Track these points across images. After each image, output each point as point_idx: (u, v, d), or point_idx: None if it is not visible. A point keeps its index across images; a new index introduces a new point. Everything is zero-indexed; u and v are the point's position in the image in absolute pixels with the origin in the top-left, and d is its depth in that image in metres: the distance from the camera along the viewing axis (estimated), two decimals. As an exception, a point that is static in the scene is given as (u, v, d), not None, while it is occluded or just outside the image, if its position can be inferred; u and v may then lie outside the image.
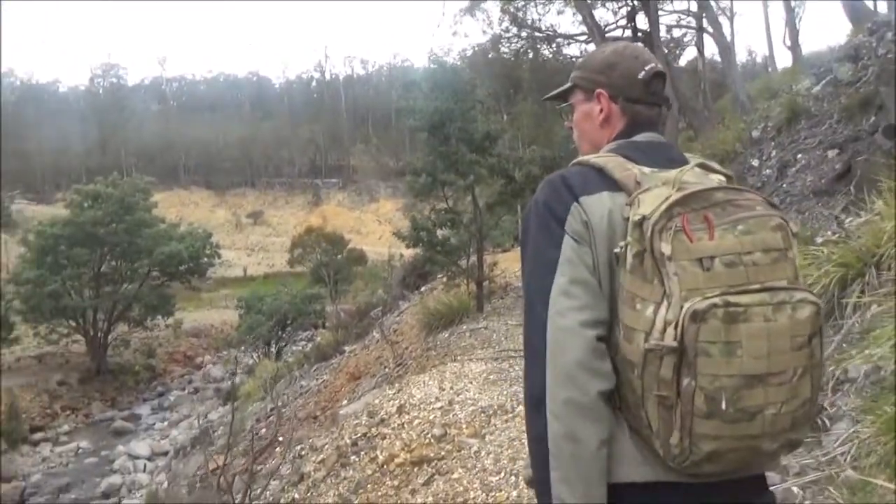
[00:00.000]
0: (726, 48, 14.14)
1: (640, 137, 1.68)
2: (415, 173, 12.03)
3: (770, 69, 28.40)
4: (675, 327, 1.37)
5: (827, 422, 4.34)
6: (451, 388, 6.60)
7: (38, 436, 24.61)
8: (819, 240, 6.85)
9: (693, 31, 18.87)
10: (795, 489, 3.89)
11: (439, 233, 12.19)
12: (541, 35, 16.28)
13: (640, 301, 1.43)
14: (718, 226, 1.41)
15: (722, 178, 1.60)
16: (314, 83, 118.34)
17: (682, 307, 1.37)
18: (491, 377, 6.86)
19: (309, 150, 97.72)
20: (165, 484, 17.68)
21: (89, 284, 29.80)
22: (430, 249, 12.27)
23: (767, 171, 10.31)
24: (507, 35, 17.89)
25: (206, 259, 32.21)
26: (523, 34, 17.13)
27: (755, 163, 10.70)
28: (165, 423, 26.05)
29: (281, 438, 9.10)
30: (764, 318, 1.37)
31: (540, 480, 1.50)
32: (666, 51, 12.22)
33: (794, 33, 24.85)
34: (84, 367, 29.85)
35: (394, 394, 6.96)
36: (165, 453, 21.57)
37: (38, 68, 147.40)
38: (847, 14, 13.42)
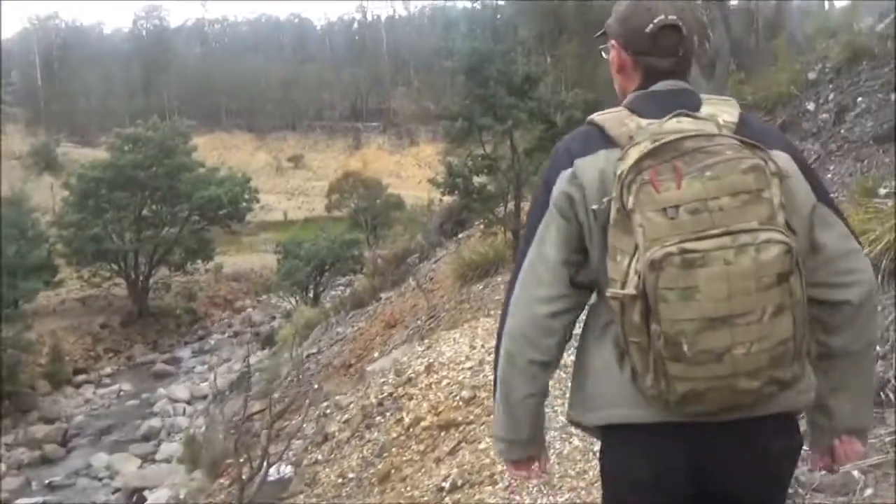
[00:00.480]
0: (783, -18, 13.32)
1: (659, 86, 1.69)
2: (451, 118, 11.52)
3: (828, 6, 27.10)
4: (638, 276, 1.44)
5: (892, 395, 3.90)
6: (483, 346, 6.25)
7: (81, 378, 25.05)
8: (882, 191, 6.34)
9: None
10: (856, 473, 3.51)
11: (476, 180, 11.72)
12: None
13: (620, 253, 1.51)
14: (687, 174, 1.44)
15: (718, 122, 1.58)
16: (356, 25, 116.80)
17: (645, 257, 1.43)
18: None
19: (350, 93, 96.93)
20: (203, 428, 17.89)
21: (130, 228, 29.98)
22: (466, 197, 11.76)
23: (824, 115, 9.67)
24: None
25: (244, 203, 32.11)
26: None
27: (811, 106, 10.05)
28: (205, 367, 26.22)
29: (308, 396, 8.87)
30: (724, 262, 1.41)
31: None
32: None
33: (854, -32, 23.54)
34: (126, 311, 30.20)
35: (423, 351, 6.66)
36: (204, 397, 21.76)
37: (82, 11, 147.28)
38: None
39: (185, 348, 29.85)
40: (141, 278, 30.34)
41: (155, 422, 20.26)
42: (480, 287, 9.43)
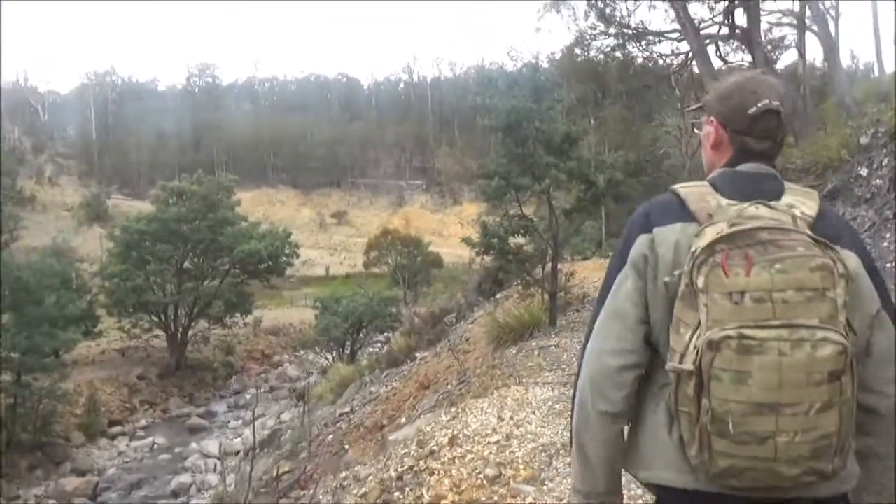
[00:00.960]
0: (832, 47, 12.94)
1: (744, 167, 1.76)
2: (487, 176, 11.22)
3: (878, 72, 26.66)
4: (696, 353, 1.51)
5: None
6: (511, 417, 5.91)
7: (116, 429, 24.97)
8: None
9: (794, 31, 17.60)
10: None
11: (512, 240, 11.43)
12: (630, 32, 15.19)
13: (684, 326, 1.57)
14: (757, 263, 1.50)
15: (795, 215, 1.62)
16: (402, 85, 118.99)
17: (705, 335, 1.50)
18: (556, 406, 6.12)
19: (394, 151, 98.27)
20: (232, 486, 17.62)
21: (171, 280, 30.24)
22: (502, 258, 11.45)
23: (878, 181, 9.28)
24: (594, 32, 16.82)
25: (285, 258, 32.25)
26: (611, 31, 16.09)
27: (863, 172, 9.65)
28: (239, 422, 26.10)
29: (332, 461, 8.56)
30: (779, 352, 1.46)
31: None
32: (767, 49, 11.19)
33: (905, 33, 23.04)
34: (164, 363, 30.27)
35: (448, 420, 6.32)
36: (237, 453, 21.55)
37: (138, 67, 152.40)
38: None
39: (221, 402, 29.74)
40: (180, 331, 30.43)
41: (185, 477, 20.02)
42: (514, 352, 9.05)
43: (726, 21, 11.89)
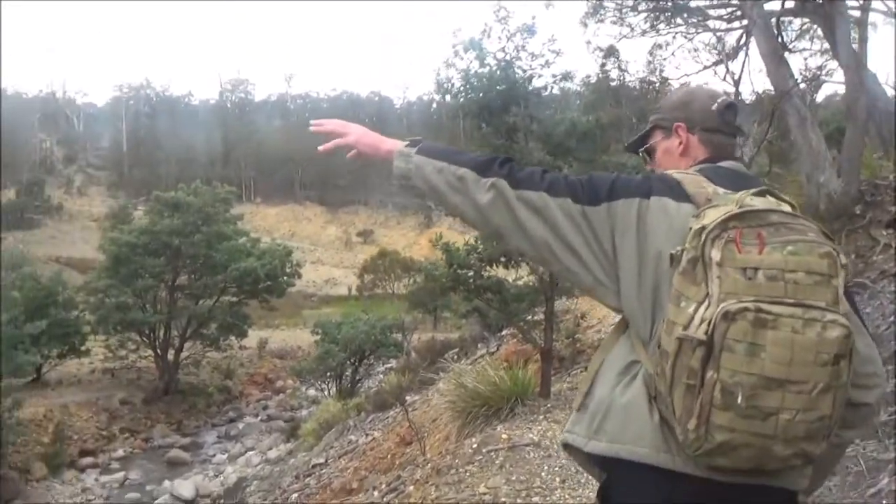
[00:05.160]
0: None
1: (726, 164, 1.88)
2: None
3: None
4: (707, 323, 1.52)
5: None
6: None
7: (87, 461, 22.76)
8: None
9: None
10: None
11: (491, 272, 8.11)
12: (668, 5, 12.69)
13: (685, 299, 1.58)
14: (769, 243, 1.56)
15: (787, 206, 1.70)
16: (434, 105, 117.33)
17: (718, 307, 1.51)
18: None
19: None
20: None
21: (163, 298, 28.04)
22: (475, 296, 8.33)
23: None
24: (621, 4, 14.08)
25: (285, 278, 29.84)
26: (642, 5, 13.51)
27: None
28: (225, 456, 23.85)
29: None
30: (792, 329, 1.50)
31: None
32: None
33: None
34: (151, 387, 28.00)
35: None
36: (209, 496, 19.23)
37: (173, 80, 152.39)
38: None
39: (212, 431, 27.52)
40: (171, 352, 28.16)
41: (146, 526, 17.61)
42: (473, 447, 6.06)
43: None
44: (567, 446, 1.85)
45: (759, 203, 1.64)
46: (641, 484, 1.67)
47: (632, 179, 1.80)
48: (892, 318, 5.53)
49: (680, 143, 1.94)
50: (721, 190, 1.72)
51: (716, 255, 1.54)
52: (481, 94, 7.22)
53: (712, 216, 1.59)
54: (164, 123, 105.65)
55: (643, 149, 2.07)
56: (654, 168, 2.02)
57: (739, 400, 1.48)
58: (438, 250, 8.06)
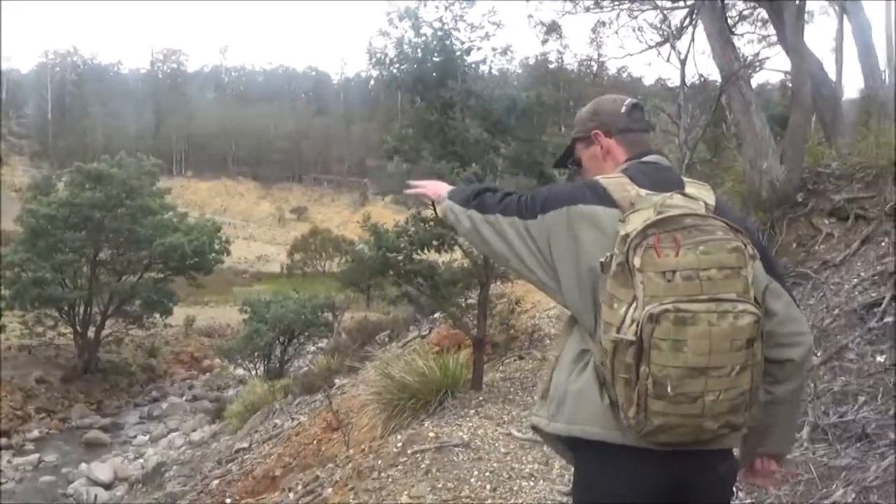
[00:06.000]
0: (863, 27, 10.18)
1: (649, 158, 2.09)
2: (387, 156, 7.51)
3: None
4: (636, 325, 1.72)
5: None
6: None
7: (1, 442, 21.58)
8: None
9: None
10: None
11: (422, 255, 7.59)
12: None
13: (617, 301, 1.78)
14: (684, 245, 1.75)
15: (704, 203, 1.91)
16: (372, 82, 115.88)
17: (644, 310, 1.71)
18: None
19: (360, 148, 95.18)
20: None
21: (83, 273, 26.87)
22: (406, 282, 7.75)
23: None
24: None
25: (214, 254, 28.91)
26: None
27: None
28: (147, 438, 23.00)
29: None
30: (708, 323, 1.70)
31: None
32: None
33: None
34: (70, 365, 26.88)
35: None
36: (128, 479, 18.48)
37: (101, 48, 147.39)
38: None
39: (134, 412, 26.55)
40: (92, 329, 27.06)
41: (64, 505, 16.80)
42: (398, 446, 5.60)
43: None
44: (535, 428, 2.11)
45: (677, 204, 1.84)
46: (607, 463, 1.90)
47: (562, 190, 2.04)
48: (836, 311, 5.32)
49: (601, 148, 2.15)
50: (643, 192, 1.90)
51: (637, 261, 1.74)
52: (416, 66, 6.74)
53: (634, 222, 1.80)
54: (91, 92, 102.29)
55: (570, 161, 2.28)
56: (585, 176, 2.19)
57: (669, 390, 1.70)
58: (366, 231, 7.60)
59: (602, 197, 1.92)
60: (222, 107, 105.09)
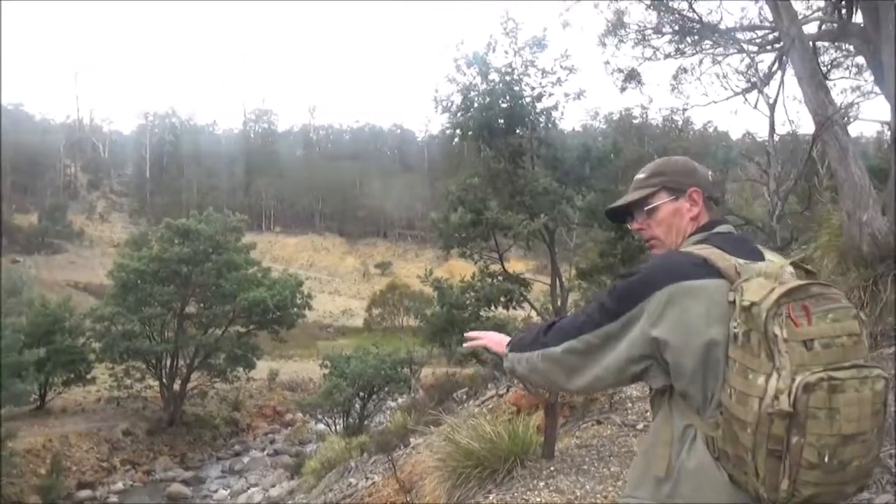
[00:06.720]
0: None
1: (721, 229, 2.07)
2: (452, 207, 7.18)
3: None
4: (787, 395, 1.67)
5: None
6: None
7: (85, 493, 21.98)
8: None
9: None
10: None
11: (491, 313, 7.08)
12: (695, 27, 11.76)
13: (752, 372, 1.73)
14: (814, 314, 1.73)
15: (811, 271, 1.94)
16: (456, 139, 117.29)
17: (793, 379, 1.68)
18: None
19: (444, 204, 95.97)
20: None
21: (170, 327, 27.41)
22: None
23: None
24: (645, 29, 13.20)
25: (296, 309, 29.12)
26: (665, 28, 12.65)
27: None
28: (227, 492, 22.97)
29: None
30: (855, 390, 1.69)
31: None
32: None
33: None
34: (156, 417, 27.30)
35: None
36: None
37: (198, 109, 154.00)
38: None
39: (216, 465, 26.67)
40: (178, 382, 27.47)
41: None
42: None
43: (836, 12, 8.13)
44: None
45: (794, 275, 1.88)
46: None
47: (653, 273, 1.92)
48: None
49: (693, 206, 2.10)
50: (741, 260, 1.89)
51: (780, 332, 1.70)
52: (483, 113, 6.45)
53: (756, 292, 1.76)
54: (187, 151, 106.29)
55: (647, 208, 2.15)
56: (646, 227, 2.17)
57: (827, 459, 1.67)
58: (430, 287, 7.24)
59: (707, 270, 1.88)
60: (310, 164, 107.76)
